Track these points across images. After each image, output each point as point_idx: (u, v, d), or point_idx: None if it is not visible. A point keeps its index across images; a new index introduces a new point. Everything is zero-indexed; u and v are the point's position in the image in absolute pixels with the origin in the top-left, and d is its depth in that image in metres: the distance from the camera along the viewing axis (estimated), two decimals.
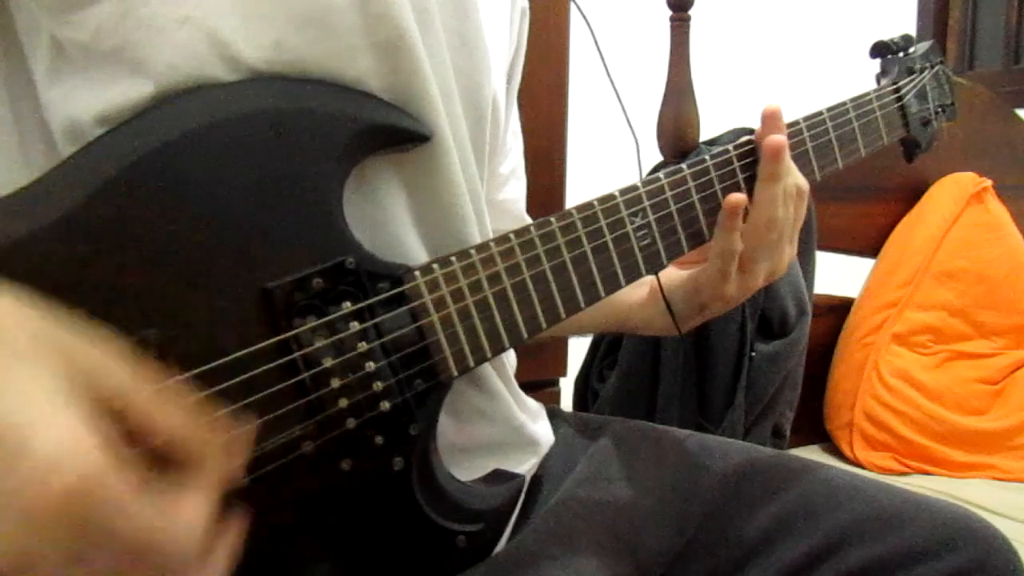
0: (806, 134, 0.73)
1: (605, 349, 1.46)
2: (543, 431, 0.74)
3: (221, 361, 0.46)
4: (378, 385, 0.51)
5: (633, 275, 0.63)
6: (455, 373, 0.55)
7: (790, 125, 0.72)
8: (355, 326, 0.51)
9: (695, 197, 0.66)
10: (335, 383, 0.50)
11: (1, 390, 0.32)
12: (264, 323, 0.48)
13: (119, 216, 0.45)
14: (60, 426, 0.32)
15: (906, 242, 1.61)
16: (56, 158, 0.48)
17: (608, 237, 0.61)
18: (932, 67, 0.89)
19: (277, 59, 0.51)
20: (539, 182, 0.89)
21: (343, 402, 0.50)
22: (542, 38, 0.81)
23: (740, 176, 0.69)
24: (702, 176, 0.67)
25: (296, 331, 0.49)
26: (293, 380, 0.49)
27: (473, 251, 0.55)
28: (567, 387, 1.48)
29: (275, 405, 0.48)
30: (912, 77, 0.86)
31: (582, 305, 0.60)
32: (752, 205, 0.69)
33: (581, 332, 0.86)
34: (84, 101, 0.49)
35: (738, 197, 0.67)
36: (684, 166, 0.66)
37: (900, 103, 0.83)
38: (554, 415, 0.80)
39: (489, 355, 0.56)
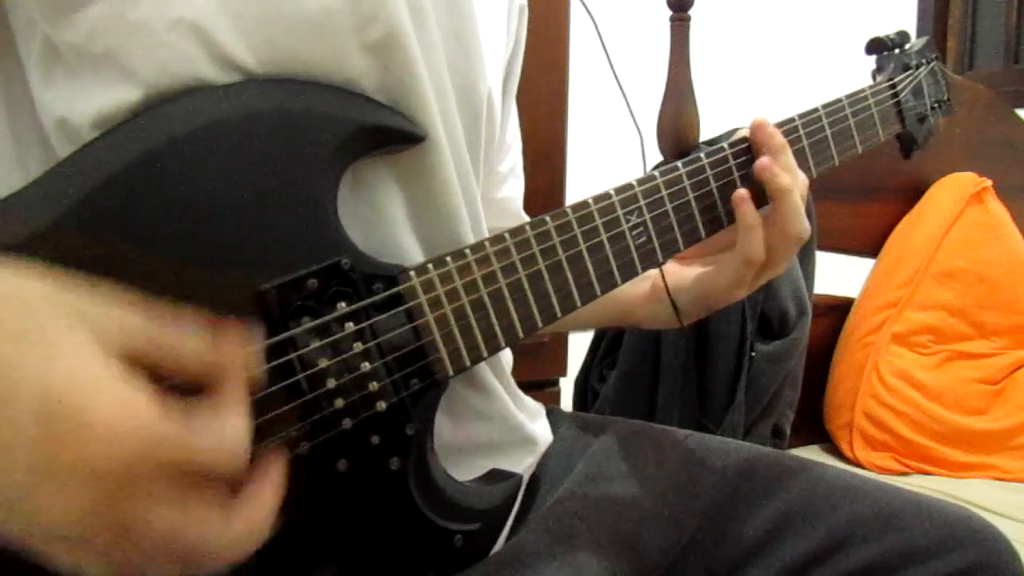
0: (802, 131, 0.73)
1: (605, 349, 1.46)
2: (541, 430, 0.73)
3: None
4: (374, 385, 0.51)
5: (629, 274, 0.62)
6: (451, 373, 0.54)
7: (786, 122, 0.72)
8: (350, 327, 0.51)
9: (691, 195, 0.66)
10: (331, 384, 0.49)
11: (50, 363, 0.33)
12: (259, 324, 0.48)
13: (112, 220, 0.45)
14: (112, 389, 0.34)
15: (906, 242, 1.61)
16: (52, 160, 0.48)
17: (604, 236, 0.61)
18: (928, 63, 0.89)
19: (268, 60, 0.51)
20: (539, 182, 0.89)
21: (339, 403, 0.50)
22: (542, 38, 0.81)
23: (736, 174, 0.69)
24: (698, 175, 0.66)
25: (291, 332, 0.49)
26: (289, 381, 0.48)
27: (468, 251, 0.55)
28: (567, 387, 1.48)
29: (271, 406, 0.48)
30: (908, 73, 0.86)
31: (578, 304, 0.60)
32: (778, 216, 0.67)
33: (582, 327, 0.86)
34: (78, 104, 0.49)
35: (741, 193, 0.67)
36: (679, 164, 0.66)
37: (896, 99, 0.83)
38: (554, 415, 0.80)
39: (485, 354, 0.56)
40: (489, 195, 0.80)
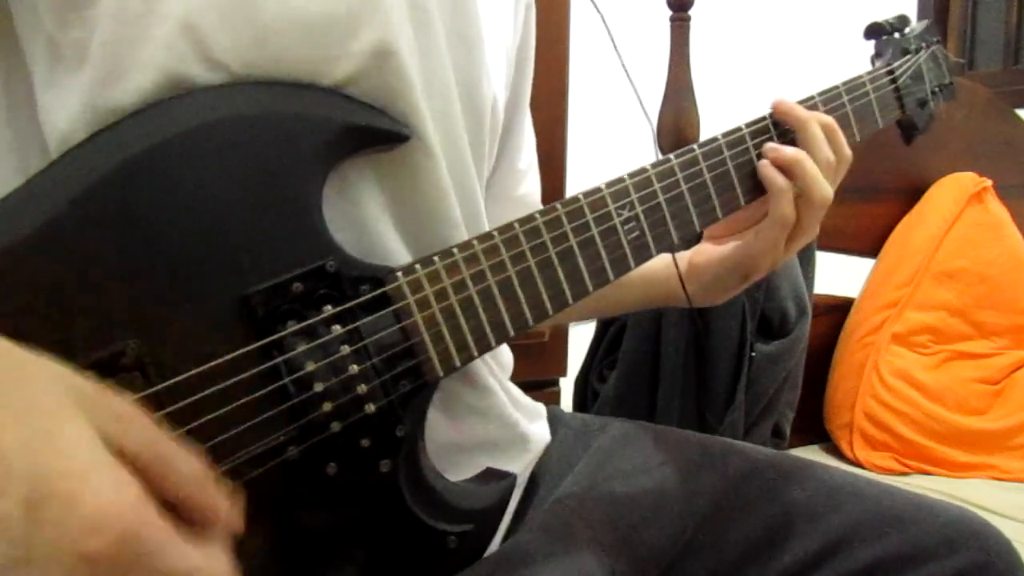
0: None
1: (605, 349, 1.46)
2: (539, 430, 0.73)
3: (202, 368, 0.45)
4: (362, 388, 0.50)
5: (622, 268, 0.62)
6: (441, 373, 0.54)
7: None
8: (337, 329, 0.50)
9: (684, 187, 0.65)
10: (319, 387, 0.49)
11: (47, 446, 0.33)
12: (245, 329, 0.47)
13: (98, 225, 0.44)
14: (105, 478, 0.33)
15: (906, 242, 1.61)
16: (49, 163, 0.48)
17: (595, 231, 0.60)
18: (928, 47, 0.87)
19: (255, 60, 0.50)
20: (540, 182, 0.89)
21: (327, 406, 0.49)
22: (542, 37, 0.80)
23: (730, 164, 0.68)
24: (691, 166, 0.66)
25: (277, 336, 0.48)
26: (276, 385, 0.48)
27: (456, 250, 0.54)
28: (567, 387, 1.47)
29: (258, 411, 0.47)
30: (907, 58, 0.84)
31: (570, 301, 0.59)
32: (803, 178, 0.69)
33: (621, 311, 0.86)
34: (75, 104, 0.49)
35: (764, 161, 0.69)
36: (672, 156, 0.65)
37: (895, 84, 0.82)
38: (554, 416, 0.80)
39: (476, 354, 0.55)
40: (510, 193, 0.80)
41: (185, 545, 0.35)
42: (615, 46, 0.79)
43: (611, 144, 1.85)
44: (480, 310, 0.55)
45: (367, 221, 0.55)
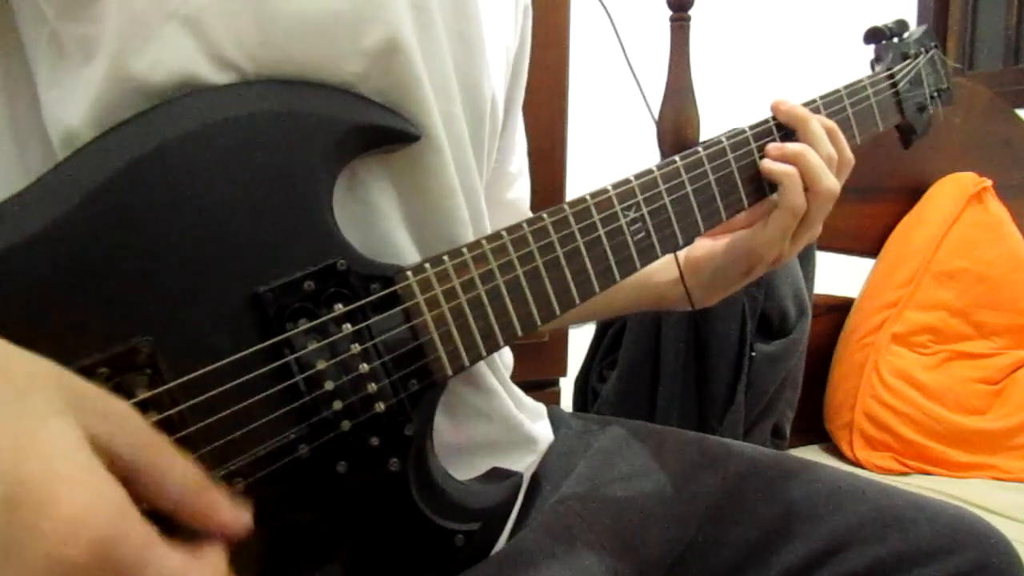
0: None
1: (605, 349, 1.46)
2: (542, 430, 0.73)
3: (213, 366, 0.46)
4: (372, 387, 0.51)
5: (628, 269, 0.62)
6: (450, 372, 0.54)
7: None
8: (348, 328, 0.50)
9: (689, 188, 0.66)
10: (329, 386, 0.49)
11: (29, 447, 0.32)
12: (256, 327, 0.48)
13: (108, 224, 0.44)
14: (85, 483, 0.32)
15: (906, 242, 1.61)
16: (52, 160, 0.48)
17: (601, 231, 0.60)
18: (927, 52, 0.88)
19: (264, 59, 0.50)
20: (540, 182, 0.89)
21: (337, 404, 0.49)
22: (543, 37, 0.81)
23: (734, 166, 0.69)
24: (696, 167, 0.66)
25: (288, 334, 0.48)
26: (286, 384, 0.48)
27: (465, 249, 0.55)
28: (567, 387, 1.47)
29: (269, 409, 0.47)
30: (907, 62, 0.85)
31: (577, 301, 0.59)
32: (807, 171, 0.70)
33: (613, 314, 0.87)
34: (80, 102, 0.49)
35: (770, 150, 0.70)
36: (677, 158, 0.66)
37: (895, 89, 0.83)
38: (555, 416, 0.80)
39: (484, 353, 0.56)
40: (500, 196, 0.80)
41: (172, 554, 0.34)
42: (621, 44, 0.80)
43: (611, 144, 1.85)
44: (489, 309, 0.55)
45: (377, 219, 0.56)
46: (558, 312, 0.59)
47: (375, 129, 0.53)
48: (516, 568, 0.61)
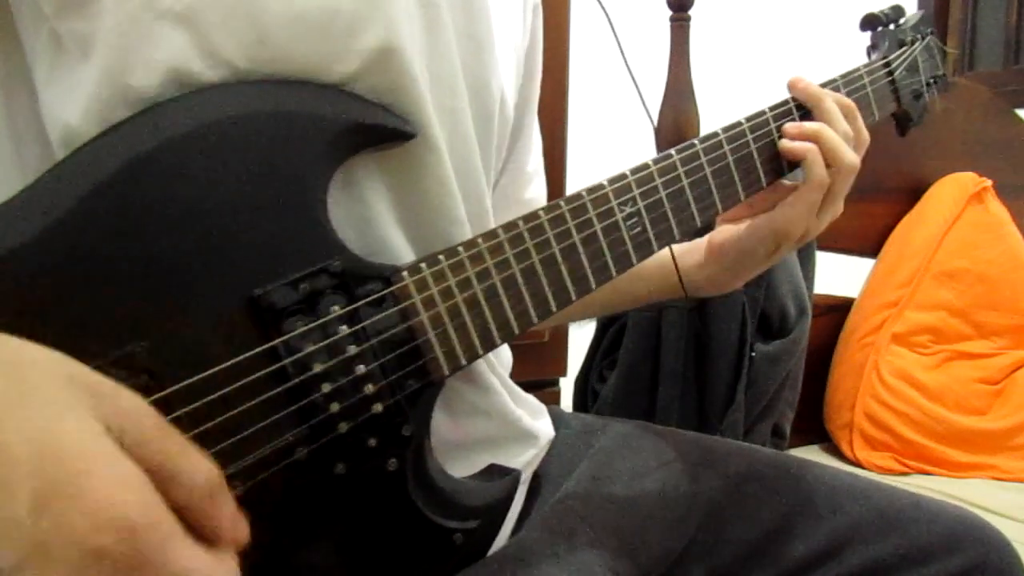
0: (796, 113, 0.73)
1: (605, 349, 1.46)
2: (543, 426, 0.73)
3: (210, 371, 0.45)
4: (369, 387, 0.51)
5: (624, 265, 0.62)
6: (447, 372, 0.54)
7: (781, 104, 0.73)
8: (344, 329, 0.50)
9: (684, 182, 0.65)
10: (326, 387, 0.49)
11: (51, 445, 0.32)
12: (252, 330, 0.47)
13: (104, 226, 0.44)
14: (110, 474, 0.33)
15: (906, 242, 1.61)
16: (50, 159, 0.48)
17: (597, 227, 0.60)
18: (923, 38, 0.88)
19: (257, 56, 0.50)
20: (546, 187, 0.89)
21: (335, 406, 0.49)
22: (543, 37, 0.80)
23: (730, 158, 0.69)
24: (692, 161, 0.66)
25: (285, 337, 0.48)
26: (284, 386, 0.48)
27: (461, 248, 0.55)
28: (567, 387, 1.47)
29: (267, 412, 0.47)
30: (903, 50, 0.85)
31: (573, 298, 0.59)
32: (827, 147, 0.71)
33: (635, 303, 0.87)
34: (80, 100, 0.49)
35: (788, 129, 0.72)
36: (673, 152, 0.65)
37: (891, 77, 0.83)
38: (555, 416, 0.80)
39: (481, 352, 0.55)
40: (518, 196, 0.80)
41: (196, 547, 0.34)
42: (619, 45, 0.80)
43: (611, 144, 1.85)
44: (485, 308, 0.55)
45: (372, 219, 0.55)
46: (554, 310, 0.58)
47: (369, 128, 0.53)
48: (516, 567, 0.61)
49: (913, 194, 1.65)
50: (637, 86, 0.79)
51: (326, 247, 0.51)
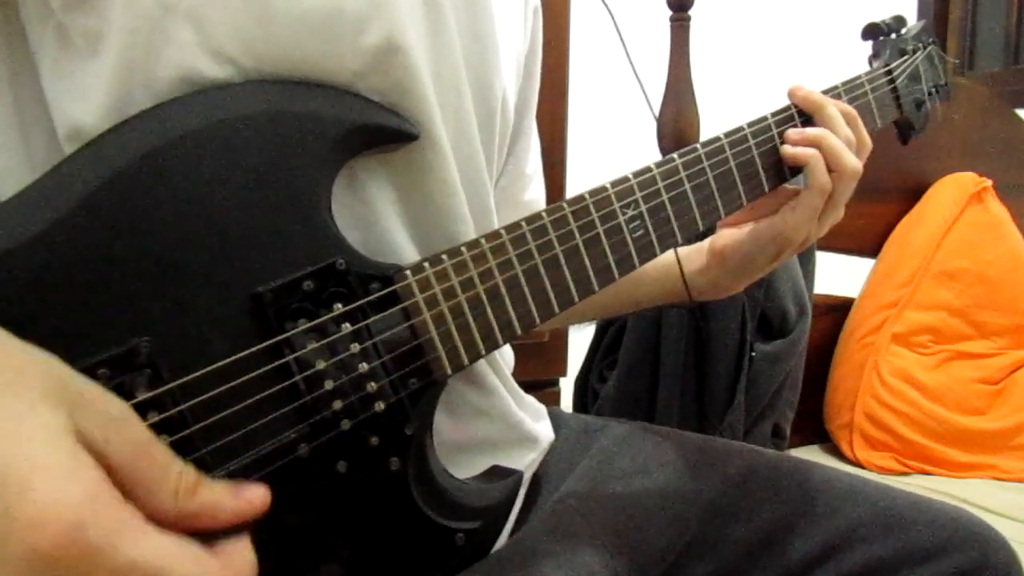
0: (797, 120, 0.73)
1: (605, 349, 1.46)
2: (543, 429, 0.73)
3: (213, 367, 0.46)
4: (372, 386, 0.51)
5: (626, 267, 0.62)
6: (449, 371, 0.54)
7: (782, 111, 0.73)
8: (347, 327, 0.50)
9: (687, 186, 0.66)
10: (329, 385, 0.49)
11: (13, 434, 0.32)
12: (256, 327, 0.48)
13: (109, 223, 0.44)
14: (59, 469, 0.32)
15: (906, 242, 1.61)
16: (58, 155, 0.48)
17: (600, 229, 0.60)
18: (925, 48, 0.88)
19: (263, 55, 0.50)
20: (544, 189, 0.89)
21: (337, 404, 0.49)
22: (543, 36, 0.81)
23: (733, 162, 0.69)
24: (694, 165, 0.66)
25: (288, 334, 0.48)
26: (286, 383, 0.48)
27: (464, 248, 0.55)
28: (567, 387, 1.47)
29: (268, 409, 0.47)
30: (904, 58, 0.85)
31: (576, 299, 0.59)
32: (829, 153, 0.71)
33: (638, 306, 0.87)
34: (86, 96, 0.49)
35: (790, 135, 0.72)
36: (676, 156, 0.66)
37: (892, 85, 0.83)
38: (555, 417, 0.80)
39: (483, 352, 0.56)
40: (517, 197, 0.80)
41: (153, 536, 0.34)
42: (624, 44, 0.80)
43: (611, 143, 1.85)
44: (488, 308, 0.55)
45: (376, 218, 0.56)
46: (557, 310, 0.59)
47: (373, 128, 0.53)
48: (517, 566, 0.61)
49: (913, 194, 1.65)
50: (641, 84, 0.79)
51: (330, 246, 0.51)
